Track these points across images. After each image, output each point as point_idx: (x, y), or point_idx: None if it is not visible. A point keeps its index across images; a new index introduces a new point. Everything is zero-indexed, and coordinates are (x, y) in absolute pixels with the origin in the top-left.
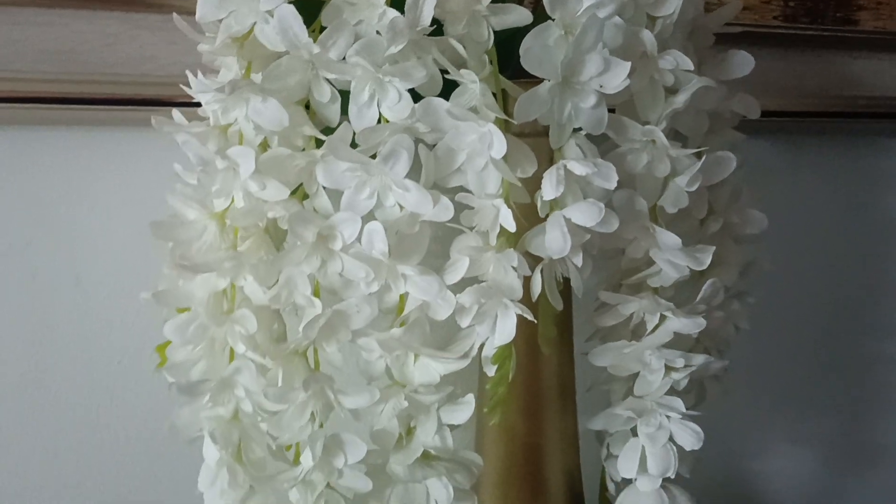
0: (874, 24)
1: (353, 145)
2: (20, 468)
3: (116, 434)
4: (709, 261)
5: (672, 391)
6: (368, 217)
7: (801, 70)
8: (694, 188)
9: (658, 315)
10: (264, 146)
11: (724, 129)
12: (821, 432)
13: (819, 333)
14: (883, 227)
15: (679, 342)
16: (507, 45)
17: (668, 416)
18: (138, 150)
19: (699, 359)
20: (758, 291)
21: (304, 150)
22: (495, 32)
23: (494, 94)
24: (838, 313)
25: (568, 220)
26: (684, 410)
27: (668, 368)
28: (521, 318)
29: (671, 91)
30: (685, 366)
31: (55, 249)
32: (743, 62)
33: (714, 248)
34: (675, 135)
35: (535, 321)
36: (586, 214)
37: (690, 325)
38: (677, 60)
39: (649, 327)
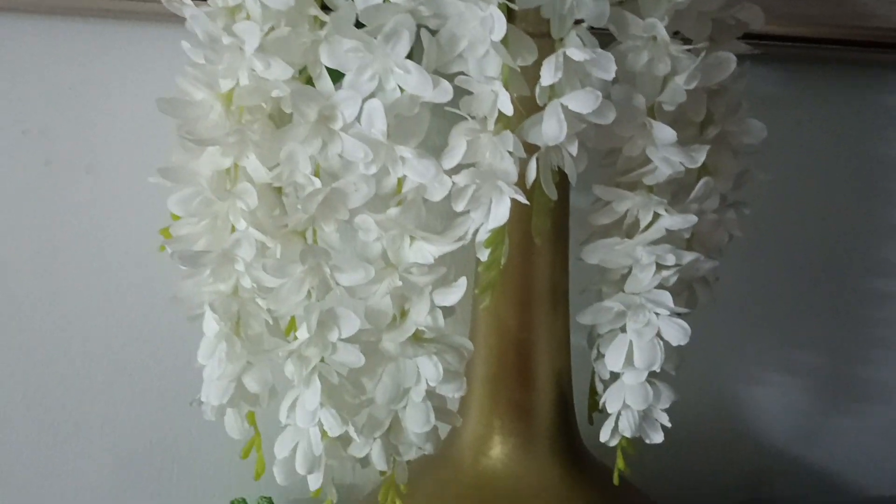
0: None
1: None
2: (29, 346)
3: (123, 321)
4: (703, 158)
5: (662, 288)
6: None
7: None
8: (692, 85)
9: (651, 212)
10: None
11: (727, 37)
12: (812, 364)
13: (815, 266)
14: (886, 164)
15: (671, 242)
16: None
17: (656, 313)
18: (155, 42)
19: (689, 256)
20: (756, 219)
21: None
22: None
23: None
24: (835, 248)
25: (565, 108)
26: (672, 306)
27: (659, 266)
28: (516, 213)
29: None
30: (675, 263)
31: (69, 137)
32: None
33: (708, 147)
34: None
35: (528, 209)
36: (583, 102)
37: (681, 221)
38: None
39: (642, 225)
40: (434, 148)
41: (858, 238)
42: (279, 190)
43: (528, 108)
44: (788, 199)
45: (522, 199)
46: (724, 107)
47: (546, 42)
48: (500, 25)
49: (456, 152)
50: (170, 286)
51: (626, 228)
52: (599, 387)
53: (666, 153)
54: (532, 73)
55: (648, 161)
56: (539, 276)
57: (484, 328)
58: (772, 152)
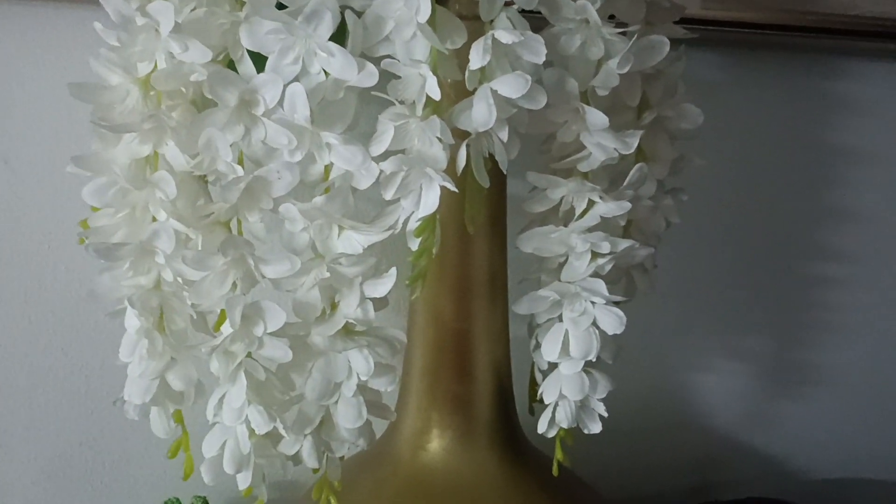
0: None
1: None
2: None
3: (44, 320)
4: (636, 144)
5: (597, 276)
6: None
7: None
8: (626, 69)
9: (586, 200)
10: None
11: (662, 20)
12: (755, 349)
13: (757, 251)
14: (828, 150)
15: (607, 230)
16: None
17: (592, 302)
18: (71, 24)
19: (624, 243)
20: (697, 204)
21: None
22: None
23: None
24: (778, 233)
25: (494, 92)
26: (608, 295)
27: (595, 255)
28: (451, 201)
29: None
30: (610, 251)
31: None
32: None
33: (642, 132)
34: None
35: (458, 192)
36: (512, 86)
37: (616, 208)
38: None
39: (577, 213)
40: (362, 134)
41: (799, 223)
42: (203, 178)
43: (460, 92)
44: (729, 185)
45: (451, 187)
46: (660, 91)
47: (478, 25)
48: (425, 6)
49: (383, 138)
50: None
51: (563, 216)
52: (539, 377)
53: (599, 139)
54: (463, 57)
55: (583, 147)
56: (476, 266)
57: (421, 319)
58: (712, 137)
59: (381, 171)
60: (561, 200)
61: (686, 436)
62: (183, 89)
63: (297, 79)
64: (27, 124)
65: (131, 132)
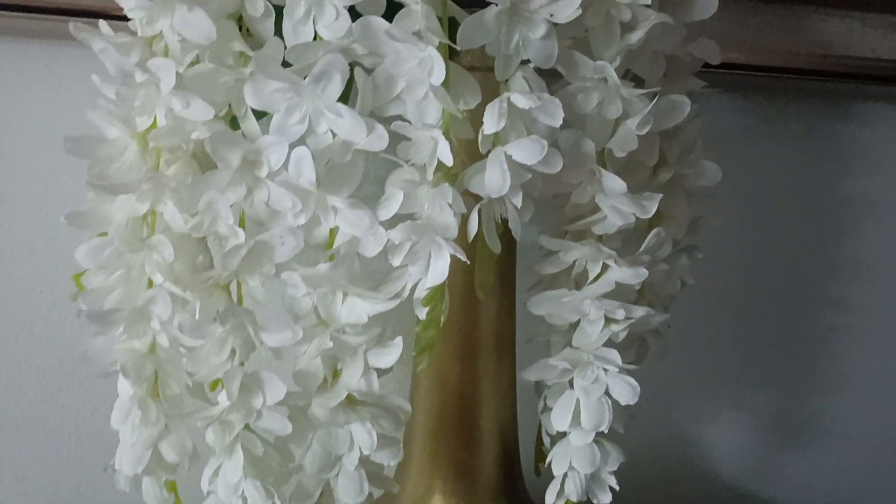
0: None
1: (287, 66)
2: None
3: (35, 368)
4: (654, 208)
5: (611, 344)
6: (299, 144)
7: (766, 25)
8: (644, 131)
9: (600, 264)
10: (194, 65)
11: (682, 74)
12: (762, 402)
13: (767, 303)
14: (841, 199)
15: (621, 294)
16: None
17: (605, 370)
18: (71, 64)
19: (640, 311)
20: (707, 255)
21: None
22: None
23: (441, 20)
24: (787, 283)
25: (509, 157)
26: (621, 364)
27: (608, 320)
28: (459, 263)
29: (628, 29)
30: (625, 318)
31: None
32: (706, 3)
33: (661, 196)
34: (631, 79)
35: (469, 263)
36: (528, 151)
37: (632, 274)
38: None
39: (591, 277)
40: (368, 196)
41: (806, 273)
42: (202, 237)
43: (471, 152)
44: (737, 235)
45: (462, 257)
46: (677, 148)
47: (492, 77)
48: (439, 68)
49: (392, 203)
50: (84, 333)
51: (575, 277)
52: (547, 440)
53: (616, 203)
54: (476, 113)
55: (598, 208)
56: (483, 326)
57: (425, 382)
58: (724, 185)
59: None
60: (573, 262)
61: (692, 487)
62: (184, 145)
63: (303, 138)
64: (23, 163)
65: (129, 192)
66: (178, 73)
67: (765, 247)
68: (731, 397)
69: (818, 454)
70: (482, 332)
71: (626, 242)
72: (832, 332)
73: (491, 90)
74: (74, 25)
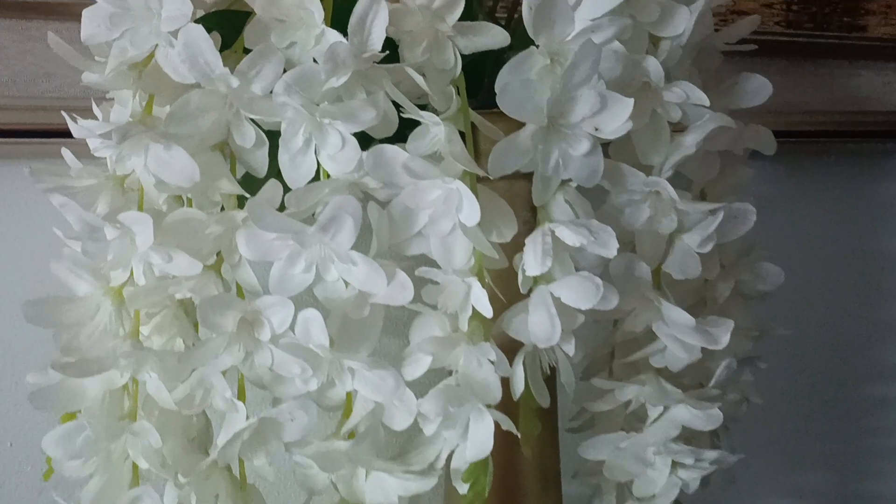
0: (883, 30)
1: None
2: None
3: None
4: (727, 339)
5: (682, 496)
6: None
7: (802, 82)
8: (707, 249)
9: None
10: (177, 199)
11: (733, 167)
12: (817, 484)
13: (809, 376)
14: (885, 258)
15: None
16: (475, 64)
17: None
18: (28, 188)
19: (712, 454)
20: None
21: (222, 207)
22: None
23: (462, 134)
24: (837, 353)
25: (557, 300)
26: None
27: (675, 464)
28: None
29: (677, 128)
30: (696, 461)
31: None
32: (759, 88)
33: (731, 323)
34: (673, 174)
35: (516, 428)
36: (580, 293)
37: (704, 419)
38: (687, 93)
39: (651, 413)
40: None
41: (857, 339)
42: None
43: (504, 279)
44: (777, 305)
45: (512, 428)
46: (734, 252)
47: (521, 184)
48: (470, 206)
49: (420, 360)
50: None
51: (630, 415)
52: None
53: (680, 334)
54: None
55: (654, 335)
56: (526, 471)
57: None
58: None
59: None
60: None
61: None
62: (167, 301)
63: (309, 287)
64: None
65: (105, 370)
66: (154, 229)
67: (813, 315)
68: (781, 484)
69: None
70: (525, 477)
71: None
72: (883, 403)
73: (520, 199)
74: (32, 169)
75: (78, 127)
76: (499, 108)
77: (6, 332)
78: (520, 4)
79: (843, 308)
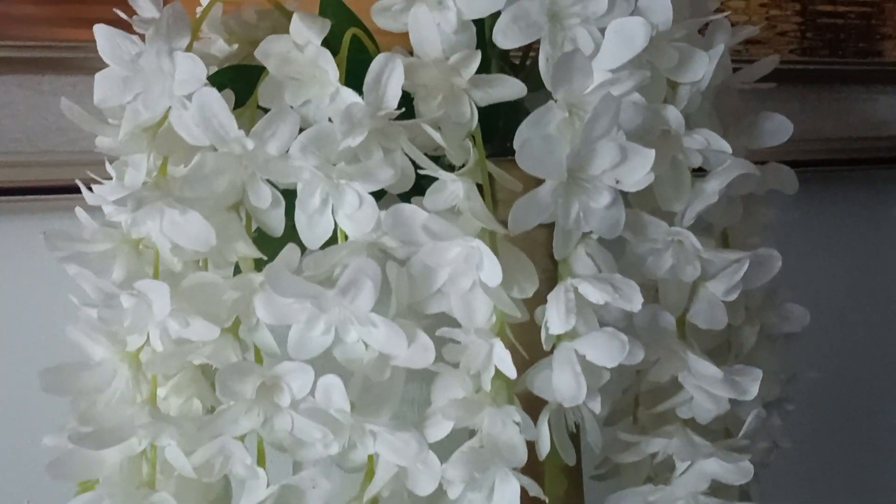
0: None
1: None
2: None
3: None
4: (755, 390)
5: None
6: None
7: (818, 109)
8: (733, 297)
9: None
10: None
11: (755, 207)
12: None
13: (836, 411)
14: None
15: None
16: (488, 109)
17: None
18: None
19: None
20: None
21: (237, 264)
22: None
23: (480, 187)
24: (859, 387)
25: (581, 358)
26: None
27: None
28: None
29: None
30: None
31: None
32: (779, 128)
33: (760, 373)
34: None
35: (543, 491)
36: (606, 351)
37: (735, 472)
38: (708, 140)
39: (679, 465)
40: (410, 400)
41: (878, 372)
42: None
43: (526, 335)
44: (805, 339)
45: (539, 493)
46: (760, 296)
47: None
48: (491, 266)
49: (443, 422)
50: None
51: (657, 466)
52: None
53: (708, 386)
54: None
55: (679, 385)
56: None
57: None
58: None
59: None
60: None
61: None
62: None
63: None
64: None
65: (123, 440)
66: (170, 297)
67: (831, 351)
68: None
69: None
70: None
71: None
72: None
73: (538, 247)
74: (47, 236)
75: (92, 195)
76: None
77: (22, 391)
78: (532, 48)
79: (862, 339)
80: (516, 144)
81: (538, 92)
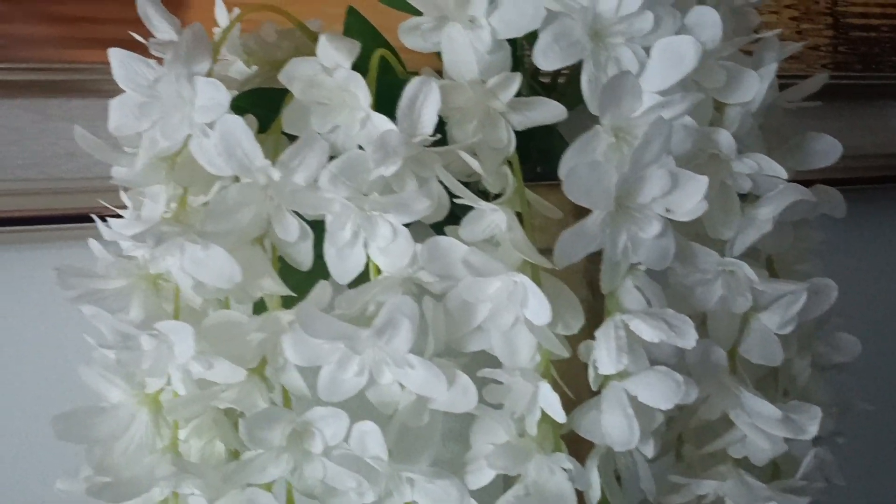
0: None
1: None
2: None
3: None
4: (815, 429)
5: None
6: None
7: (853, 125)
8: (788, 331)
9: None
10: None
11: (803, 231)
12: None
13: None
14: None
15: None
16: (522, 133)
17: None
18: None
19: None
20: None
21: (263, 304)
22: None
23: (520, 215)
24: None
25: (633, 398)
26: None
27: None
28: None
29: (749, 199)
30: None
31: None
32: (828, 149)
33: (819, 411)
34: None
35: None
36: (659, 392)
37: None
38: (760, 165)
39: None
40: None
41: None
42: None
43: (569, 372)
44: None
45: None
46: (810, 325)
47: None
48: (538, 303)
49: (486, 470)
50: None
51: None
52: None
53: (764, 426)
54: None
55: (730, 422)
56: None
57: None
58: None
59: None
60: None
61: None
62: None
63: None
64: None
65: (143, 492)
66: (195, 339)
67: (872, 375)
68: None
69: None
70: None
71: None
72: None
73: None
74: (60, 271)
75: (108, 230)
76: (549, 180)
77: (30, 428)
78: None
79: None
80: (562, 173)
81: (570, 112)
